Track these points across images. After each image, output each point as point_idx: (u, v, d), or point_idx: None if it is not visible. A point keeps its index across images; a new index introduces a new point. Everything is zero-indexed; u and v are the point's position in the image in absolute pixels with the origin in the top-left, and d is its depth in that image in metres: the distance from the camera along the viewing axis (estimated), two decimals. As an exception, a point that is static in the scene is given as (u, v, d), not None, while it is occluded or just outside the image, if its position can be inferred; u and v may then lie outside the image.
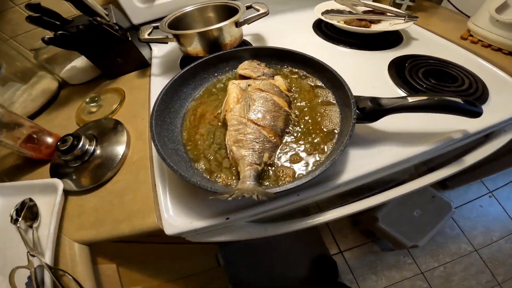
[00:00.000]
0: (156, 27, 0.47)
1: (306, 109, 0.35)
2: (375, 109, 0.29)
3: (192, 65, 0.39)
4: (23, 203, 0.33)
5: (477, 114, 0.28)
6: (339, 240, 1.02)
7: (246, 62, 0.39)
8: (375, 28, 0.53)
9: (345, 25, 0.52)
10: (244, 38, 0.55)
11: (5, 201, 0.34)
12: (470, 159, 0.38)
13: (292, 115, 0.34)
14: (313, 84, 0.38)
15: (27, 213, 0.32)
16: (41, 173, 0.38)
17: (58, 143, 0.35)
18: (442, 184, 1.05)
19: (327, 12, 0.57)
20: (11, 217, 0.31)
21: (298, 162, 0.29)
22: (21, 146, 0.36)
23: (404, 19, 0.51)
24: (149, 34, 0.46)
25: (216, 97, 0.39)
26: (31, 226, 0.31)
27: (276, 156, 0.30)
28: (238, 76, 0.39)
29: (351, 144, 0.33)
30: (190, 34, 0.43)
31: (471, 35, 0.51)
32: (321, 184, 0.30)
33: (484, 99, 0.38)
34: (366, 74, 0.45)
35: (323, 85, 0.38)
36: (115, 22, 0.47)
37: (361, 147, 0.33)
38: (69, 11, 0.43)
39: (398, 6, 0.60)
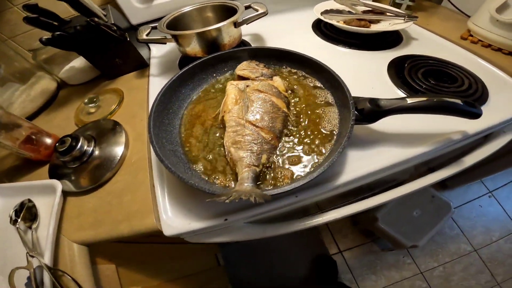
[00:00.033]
0: (154, 28, 0.47)
1: (305, 110, 0.35)
2: (374, 110, 0.29)
3: (191, 65, 0.38)
4: (22, 204, 0.33)
5: (476, 115, 0.28)
6: (338, 240, 1.02)
7: (244, 62, 0.39)
8: (375, 28, 0.53)
9: (344, 25, 0.52)
10: (243, 38, 0.54)
11: (4, 202, 0.34)
12: (470, 160, 0.38)
13: (291, 116, 0.34)
14: (312, 85, 0.38)
15: (26, 214, 0.32)
16: (40, 174, 0.38)
17: (57, 144, 0.35)
18: (442, 184, 1.05)
19: (326, 12, 0.57)
20: (10, 218, 0.31)
21: (297, 164, 0.29)
22: (20, 147, 0.36)
23: (404, 19, 0.51)
24: (147, 35, 0.46)
25: (214, 97, 0.39)
26: (30, 227, 0.31)
27: (275, 158, 0.30)
28: (236, 77, 0.39)
29: (350, 145, 0.33)
30: (188, 35, 0.43)
31: (471, 35, 0.51)
32: (319, 185, 0.30)
33: (484, 100, 0.38)
34: (365, 74, 0.45)
35: (322, 85, 0.37)
36: (113, 22, 0.47)
37: (360, 148, 0.33)
38: (67, 11, 0.43)
39: (398, 6, 0.59)
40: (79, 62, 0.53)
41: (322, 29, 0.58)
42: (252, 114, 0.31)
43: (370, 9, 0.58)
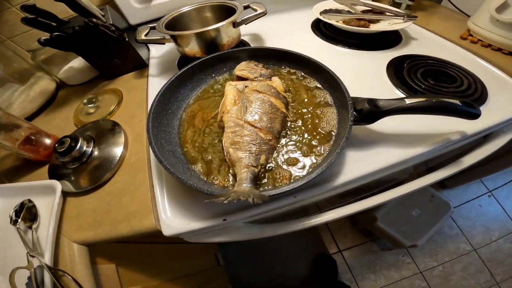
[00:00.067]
0: (153, 28, 0.47)
1: (304, 110, 0.35)
2: (372, 110, 0.29)
3: (189, 66, 0.38)
4: (22, 204, 0.33)
5: (475, 115, 0.28)
6: (338, 240, 1.03)
7: (243, 63, 0.39)
8: (374, 27, 0.53)
9: (343, 25, 0.52)
10: (242, 38, 0.54)
11: (4, 202, 0.35)
12: (469, 160, 0.38)
13: (290, 117, 0.34)
14: (311, 85, 0.38)
15: (26, 214, 0.32)
16: (40, 174, 0.38)
17: (56, 145, 0.35)
18: (441, 184, 1.05)
19: (325, 11, 0.56)
20: (11, 218, 0.32)
21: (295, 164, 0.29)
22: (20, 148, 0.36)
23: (403, 19, 0.51)
24: (146, 35, 0.46)
25: (213, 98, 0.39)
26: (30, 227, 0.31)
27: (273, 158, 0.30)
28: (235, 77, 0.39)
29: (349, 145, 0.33)
30: (187, 35, 0.43)
31: (471, 35, 0.50)
32: (318, 185, 0.30)
33: (483, 100, 0.38)
34: (364, 74, 0.45)
35: (320, 86, 0.37)
36: (111, 23, 0.47)
37: (359, 148, 0.33)
38: (65, 12, 0.43)
39: (398, 5, 0.59)
40: (78, 62, 0.53)
41: (321, 29, 0.57)
42: (250, 114, 0.31)
43: (370, 8, 0.58)
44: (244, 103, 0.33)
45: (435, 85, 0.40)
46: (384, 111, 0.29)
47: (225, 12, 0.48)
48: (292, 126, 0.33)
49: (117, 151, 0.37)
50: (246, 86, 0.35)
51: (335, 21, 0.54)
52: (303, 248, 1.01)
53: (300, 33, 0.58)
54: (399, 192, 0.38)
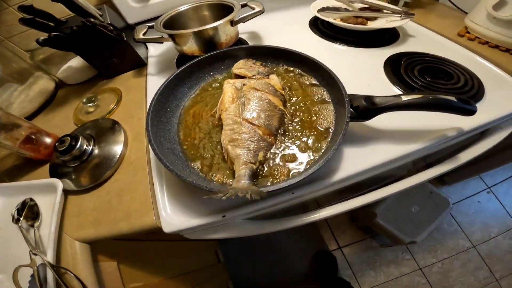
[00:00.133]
0: (151, 27, 0.47)
1: (301, 107, 0.35)
2: (369, 107, 0.30)
3: (188, 64, 0.39)
4: (24, 203, 0.33)
5: (471, 112, 0.29)
6: (337, 236, 1.03)
7: (241, 61, 0.39)
8: (372, 25, 0.53)
9: (341, 23, 0.52)
10: (240, 36, 0.54)
11: (6, 201, 0.35)
12: (467, 155, 0.38)
13: (287, 114, 0.34)
14: (308, 83, 0.38)
15: (28, 212, 0.32)
16: (41, 173, 0.39)
17: (56, 143, 0.35)
18: (440, 180, 1.06)
19: (323, 9, 0.56)
20: (13, 216, 0.32)
21: (293, 161, 0.30)
22: (20, 147, 0.36)
23: (401, 16, 0.51)
24: (144, 34, 0.46)
25: (212, 96, 0.39)
26: (32, 226, 0.32)
27: (271, 155, 0.30)
28: (233, 75, 0.39)
29: (346, 142, 0.33)
30: (185, 34, 0.43)
31: (468, 32, 0.51)
32: (316, 182, 0.31)
33: (480, 96, 0.38)
34: (362, 71, 0.45)
35: (318, 83, 0.38)
36: (109, 22, 0.47)
37: (356, 145, 0.33)
38: (63, 11, 0.43)
39: (395, 2, 0.59)
40: (76, 61, 0.53)
41: (319, 26, 0.58)
42: (248, 112, 0.32)
43: (367, 6, 0.58)
44: (242, 101, 0.33)
45: (432, 82, 0.41)
46: (381, 107, 0.29)
47: (223, 10, 0.49)
48: (290, 123, 0.33)
49: (117, 149, 0.38)
50: (244, 84, 0.35)
51: (333, 18, 0.54)
52: (303, 244, 1.01)
53: (297, 31, 0.58)
54: (397, 188, 0.38)
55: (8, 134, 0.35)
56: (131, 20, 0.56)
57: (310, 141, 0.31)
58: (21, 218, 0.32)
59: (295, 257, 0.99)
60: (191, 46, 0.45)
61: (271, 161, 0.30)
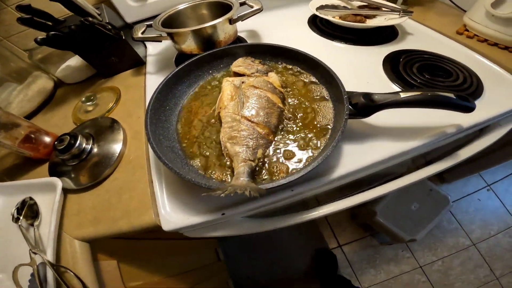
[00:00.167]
0: (149, 26, 0.47)
1: (300, 105, 0.35)
2: (367, 104, 0.30)
3: (186, 63, 0.39)
4: (23, 202, 0.33)
5: (469, 109, 0.29)
6: (337, 234, 1.03)
7: (240, 59, 0.39)
8: (370, 23, 0.53)
9: (340, 21, 0.52)
10: (239, 34, 0.54)
11: (6, 200, 0.35)
12: (466, 152, 0.38)
13: (286, 112, 0.34)
14: (307, 80, 0.38)
15: (28, 211, 0.32)
16: (40, 172, 0.39)
17: (56, 142, 0.35)
18: (440, 178, 1.06)
19: (321, 7, 0.56)
20: (13, 215, 0.32)
21: (292, 158, 0.30)
22: (19, 146, 0.36)
23: (399, 14, 0.51)
24: (142, 33, 0.46)
25: (211, 94, 0.39)
26: (32, 224, 0.32)
27: (270, 152, 0.30)
28: (232, 73, 0.39)
29: (345, 139, 0.33)
30: (183, 32, 0.43)
31: (467, 30, 0.51)
32: (315, 179, 0.31)
33: (479, 94, 0.38)
34: (361, 69, 0.45)
35: (317, 81, 0.38)
36: (107, 21, 0.47)
37: (355, 142, 0.33)
38: (61, 11, 0.43)
39: (394, 0, 0.59)
40: (75, 61, 0.53)
41: (317, 24, 0.57)
42: (247, 109, 0.32)
43: (366, 4, 0.57)
44: (241, 99, 0.33)
45: (431, 79, 0.41)
46: (379, 104, 0.29)
47: (221, 9, 0.48)
48: (289, 120, 0.33)
49: (116, 148, 0.38)
50: (242, 82, 0.35)
51: (332, 16, 0.54)
52: (303, 242, 1.02)
53: (296, 29, 0.58)
54: (397, 185, 0.38)
55: (8, 133, 0.35)
56: (129, 19, 0.56)
57: (309, 139, 0.31)
58: (21, 217, 0.32)
59: (295, 255, 0.99)
60: (189, 45, 0.45)
61: (270, 158, 0.30)
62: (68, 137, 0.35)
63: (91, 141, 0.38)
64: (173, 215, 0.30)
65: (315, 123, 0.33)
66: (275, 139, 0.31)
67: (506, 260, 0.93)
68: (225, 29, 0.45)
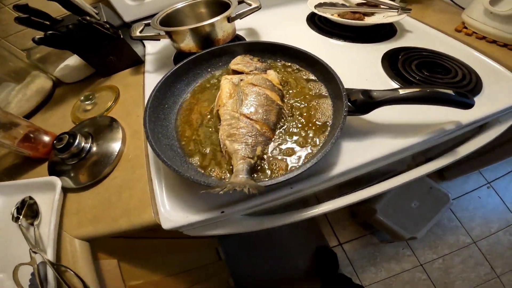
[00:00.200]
0: (147, 24, 0.47)
1: (299, 102, 0.35)
2: (366, 101, 0.30)
3: (185, 61, 0.39)
4: (23, 201, 0.33)
5: (468, 105, 0.29)
6: (338, 232, 1.03)
7: (238, 57, 0.39)
8: (369, 20, 0.53)
9: (338, 18, 0.52)
10: (237, 33, 0.54)
11: (5, 200, 0.35)
12: (465, 149, 0.38)
13: (285, 109, 0.34)
14: (306, 78, 0.38)
15: (28, 211, 0.32)
16: (39, 171, 0.39)
17: (55, 141, 0.35)
18: (440, 175, 1.06)
19: (320, 5, 0.56)
20: (12, 215, 0.32)
21: (291, 155, 0.30)
22: (19, 146, 0.36)
23: (398, 12, 0.51)
24: (140, 32, 0.46)
25: (209, 92, 0.39)
26: (32, 224, 0.32)
27: (269, 150, 0.30)
28: (231, 71, 0.39)
29: (344, 136, 0.33)
30: (182, 31, 0.43)
31: (466, 27, 0.50)
32: (314, 176, 0.31)
33: (478, 91, 0.38)
34: (359, 66, 0.45)
35: (315, 78, 0.38)
36: (105, 20, 0.47)
37: (354, 139, 0.33)
38: (59, 10, 0.43)
39: (393, -3, 0.59)
40: (73, 60, 0.53)
41: (316, 22, 0.57)
42: (246, 107, 0.32)
43: (364, 1, 0.57)
44: (239, 96, 0.33)
45: (430, 76, 0.40)
46: (378, 101, 0.29)
47: (220, 7, 0.48)
48: (288, 117, 0.33)
49: (115, 146, 0.38)
50: (241, 80, 0.35)
51: (330, 14, 0.54)
52: (303, 241, 1.02)
53: (295, 27, 0.58)
54: (397, 182, 0.38)
55: (7, 133, 0.35)
56: (127, 18, 0.56)
57: (308, 136, 0.31)
58: (21, 217, 0.32)
59: (295, 254, 0.99)
60: (188, 43, 0.45)
61: (269, 156, 0.30)
62: (67, 136, 0.35)
63: (90, 140, 0.38)
64: (172, 214, 0.30)
65: (314, 120, 0.32)
66: (274, 136, 0.31)
67: (506, 258, 0.92)
68: (223, 27, 0.45)
